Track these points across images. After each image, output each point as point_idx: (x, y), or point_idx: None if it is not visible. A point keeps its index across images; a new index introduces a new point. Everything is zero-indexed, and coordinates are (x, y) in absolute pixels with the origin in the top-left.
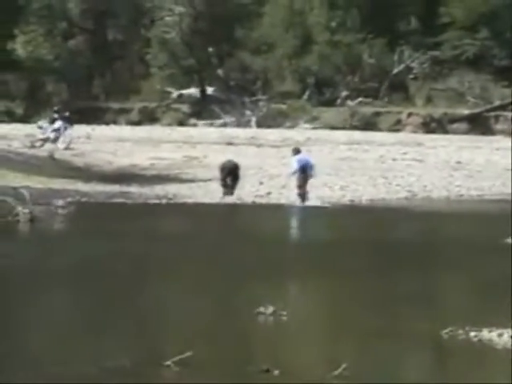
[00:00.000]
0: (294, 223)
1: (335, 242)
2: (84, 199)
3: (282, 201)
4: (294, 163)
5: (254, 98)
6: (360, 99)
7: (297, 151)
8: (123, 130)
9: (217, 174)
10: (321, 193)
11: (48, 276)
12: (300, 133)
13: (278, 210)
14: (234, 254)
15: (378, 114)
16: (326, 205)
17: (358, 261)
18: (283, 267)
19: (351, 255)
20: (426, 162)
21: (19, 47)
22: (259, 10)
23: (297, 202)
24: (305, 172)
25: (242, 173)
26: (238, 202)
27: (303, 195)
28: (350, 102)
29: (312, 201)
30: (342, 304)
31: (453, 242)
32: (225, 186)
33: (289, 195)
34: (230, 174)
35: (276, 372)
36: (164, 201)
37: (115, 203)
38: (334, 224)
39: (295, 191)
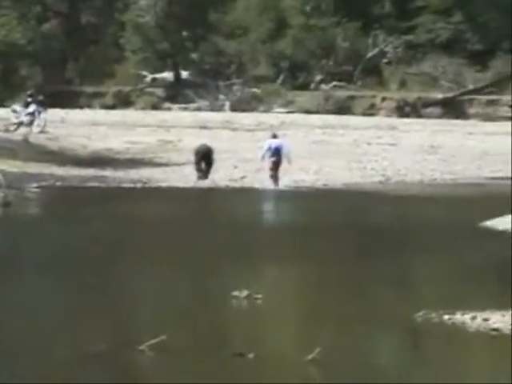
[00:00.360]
0: (268, 207)
1: (310, 226)
2: (59, 183)
3: (256, 185)
4: (264, 146)
5: (228, 82)
6: (334, 83)
7: (273, 136)
8: (97, 114)
9: (191, 157)
10: (295, 177)
11: (21, 262)
12: (274, 117)
13: (252, 194)
14: (208, 239)
15: (352, 97)
16: (303, 189)
17: (332, 245)
18: (257, 251)
19: (326, 239)
20: (400, 146)
21: None
22: None
23: (270, 185)
24: (276, 156)
25: (216, 157)
26: (213, 185)
27: (275, 178)
28: (324, 86)
29: (283, 185)
30: (317, 288)
31: (427, 226)
32: (199, 169)
33: (263, 179)
34: (204, 158)
35: (250, 356)
36: (138, 185)
37: (90, 187)
38: (308, 208)
39: (268, 174)
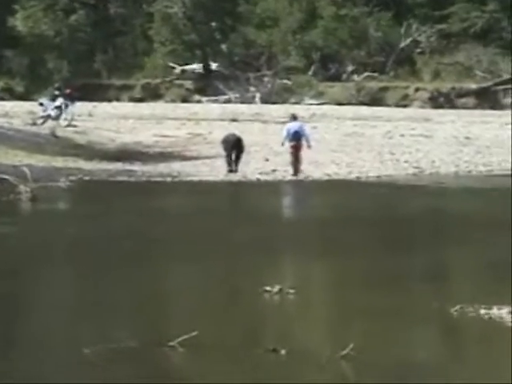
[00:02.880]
0: (300, 200)
1: (342, 219)
2: (86, 177)
3: (288, 178)
4: (283, 131)
5: (258, 74)
6: (366, 74)
7: (293, 118)
8: (126, 107)
9: (221, 150)
10: (328, 169)
11: (49, 257)
12: (305, 108)
13: (283, 187)
14: (239, 233)
15: (384, 88)
16: (334, 181)
17: (365, 238)
18: (289, 245)
19: (358, 233)
20: (434, 137)
21: (19, 23)
22: None
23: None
24: (295, 140)
25: (246, 149)
26: (243, 179)
27: (296, 163)
28: (356, 77)
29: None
30: (350, 282)
31: (462, 219)
32: (229, 162)
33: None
34: (234, 148)
35: (283, 352)
36: (168, 179)
37: (118, 181)
38: (340, 200)
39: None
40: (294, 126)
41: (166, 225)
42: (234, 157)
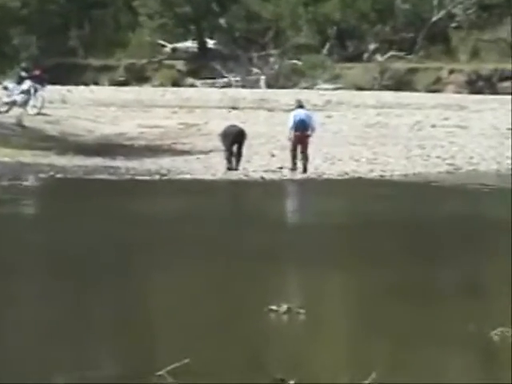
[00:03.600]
0: (311, 202)
1: (361, 225)
2: (59, 175)
3: (298, 176)
4: (289, 120)
5: (263, 53)
6: (391, 53)
7: (298, 106)
8: (106, 92)
9: (219, 144)
10: (346, 167)
11: (12, 268)
12: (319, 94)
13: (291, 187)
14: (239, 241)
15: (413, 70)
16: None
17: (388, 247)
18: (299, 256)
19: (380, 240)
20: (471, 128)
21: None
22: None
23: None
24: (301, 130)
25: (249, 142)
26: (245, 178)
27: (304, 158)
28: (379, 57)
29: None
30: (370, 299)
31: (503, 226)
32: (229, 156)
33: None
34: (236, 143)
35: (292, 382)
36: (156, 177)
37: (96, 180)
38: (360, 203)
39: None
40: (299, 114)
41: (154, 232)
42: (235, 151)
